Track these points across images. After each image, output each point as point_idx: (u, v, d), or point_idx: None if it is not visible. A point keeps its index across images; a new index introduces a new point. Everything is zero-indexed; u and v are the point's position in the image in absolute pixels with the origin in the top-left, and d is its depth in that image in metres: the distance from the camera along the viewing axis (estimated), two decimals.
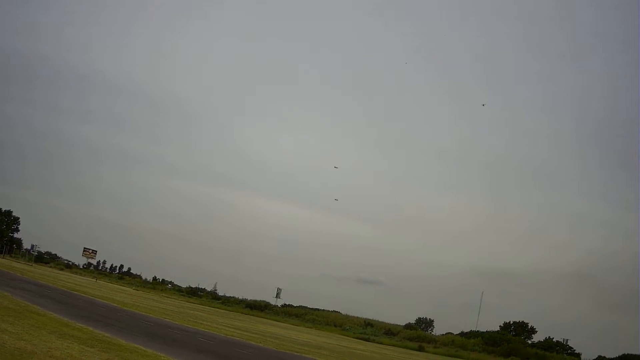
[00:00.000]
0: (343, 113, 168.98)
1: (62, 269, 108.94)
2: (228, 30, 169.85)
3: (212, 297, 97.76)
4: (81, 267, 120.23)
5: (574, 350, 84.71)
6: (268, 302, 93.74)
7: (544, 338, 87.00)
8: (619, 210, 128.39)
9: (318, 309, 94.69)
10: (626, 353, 78.53)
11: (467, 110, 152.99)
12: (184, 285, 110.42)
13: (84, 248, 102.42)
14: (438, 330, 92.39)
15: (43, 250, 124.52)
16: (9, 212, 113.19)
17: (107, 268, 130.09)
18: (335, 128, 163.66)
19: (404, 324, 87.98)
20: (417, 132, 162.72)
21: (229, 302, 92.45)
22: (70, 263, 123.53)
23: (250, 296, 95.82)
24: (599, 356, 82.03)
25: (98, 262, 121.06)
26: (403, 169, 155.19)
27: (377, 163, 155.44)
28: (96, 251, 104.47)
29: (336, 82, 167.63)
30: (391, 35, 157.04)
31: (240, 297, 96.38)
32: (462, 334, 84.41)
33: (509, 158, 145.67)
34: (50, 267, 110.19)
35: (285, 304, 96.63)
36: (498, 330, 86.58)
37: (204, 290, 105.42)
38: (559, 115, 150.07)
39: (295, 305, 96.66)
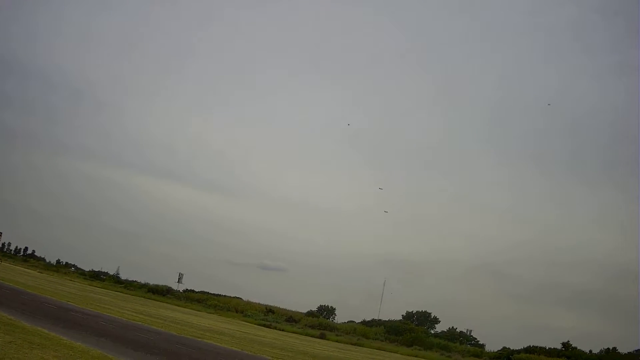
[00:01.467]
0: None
1: None
2: None
3: (114, 281, 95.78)
4: None
5: (478, 341, 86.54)
6: (170, 287, 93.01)
7: (447, 328, 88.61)
8: (527, 202, 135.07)
9: (220, 295, 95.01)
10: (531, 345, 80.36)
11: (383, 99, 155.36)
12: (86, 268, 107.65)
13: None
14: (340, 318, 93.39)
15: None
16: None
17: (11, 250, 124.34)
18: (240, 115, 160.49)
19: (305, 312, 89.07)
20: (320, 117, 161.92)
21: (131, 286, 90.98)
22: None
23: (153, 281, 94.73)
24: (504, 347, 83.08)
25: (3, 244, 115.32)
26: (308, 157, 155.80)
27: (281, 150, 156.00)
28: (1, 233, 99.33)
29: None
30: None
31: (143, 282, 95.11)
32: (364, 323, 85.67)
33: (421, 146, 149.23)
34: None
35: (187, 289, 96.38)
36: (401, 320, 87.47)
37: (106, 274, 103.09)
38: (473, 107, 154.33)
39: (197, 290, 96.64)
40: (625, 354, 79.23)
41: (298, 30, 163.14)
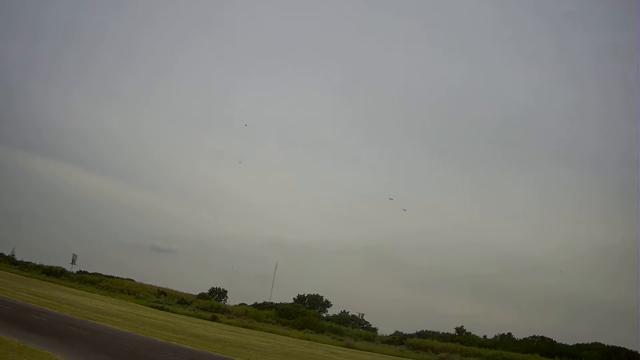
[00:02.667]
0: None
1: None
2: None
3: (9, 262, 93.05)
4: None
5: (370, 325, 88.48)
6: (64, 269, 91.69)
7: (339, 312, 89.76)
8: (422, 189, 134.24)
9: (113, 277, 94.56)
10: (424, 330, 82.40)
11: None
12: None
13: None
14: (232, 300, 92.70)
15: None
16: None
17: None
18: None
19: (197, 294, 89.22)
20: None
21: (26, 268, 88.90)
22: None
23: (47, 262, 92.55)
24: (396, 331, 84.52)
25: None
26: (196, 140, 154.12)
27: (171, 129, 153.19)
28: None
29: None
30: None
31: (38, 263, 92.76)
32: (255, 305, 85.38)
33: (312, 133, 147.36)
34: None
35: (80, 271, 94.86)
36: (292, 303, 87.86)
37: (1, 255, 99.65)
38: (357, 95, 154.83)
39: (90, 272, 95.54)
40: (520, 339, 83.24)
41: None
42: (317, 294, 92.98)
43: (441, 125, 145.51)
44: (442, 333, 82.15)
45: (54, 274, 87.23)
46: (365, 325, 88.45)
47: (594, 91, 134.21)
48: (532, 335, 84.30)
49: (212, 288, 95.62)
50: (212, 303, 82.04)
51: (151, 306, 70.31)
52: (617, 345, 75.85)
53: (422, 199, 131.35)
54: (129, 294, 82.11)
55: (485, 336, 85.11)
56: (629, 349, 74.24)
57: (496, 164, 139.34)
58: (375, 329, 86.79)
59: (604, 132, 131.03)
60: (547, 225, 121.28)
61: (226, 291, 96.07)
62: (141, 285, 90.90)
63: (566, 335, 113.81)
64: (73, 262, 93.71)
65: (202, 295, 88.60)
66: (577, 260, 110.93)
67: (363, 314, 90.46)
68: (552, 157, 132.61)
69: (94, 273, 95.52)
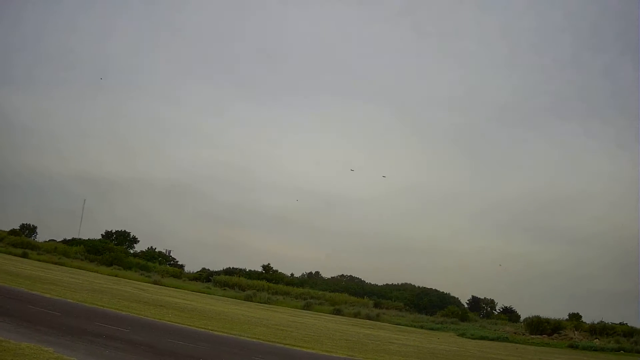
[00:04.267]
0: None
1: None
2: None
3: None
4: None
5: (177, 261, 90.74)
6: None
7: (146, 248, 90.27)
8: (223, 126, 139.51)
9: None
10: (231, 267, 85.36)
11: None
12: None
13: None
14: (41, 237, 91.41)
15: None
16: None
17: None
18: None
19: (8, 230, 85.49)
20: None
21: None
22: None
23: None
24: (203, 268, 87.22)
25: None
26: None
27: None
28: None
29: None
30: None
31: None
32: (64, 242, 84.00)
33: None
34: None
35: None
36: (100, 239, 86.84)
37: None
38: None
39: None
40: (328, 278, 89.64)
41: None
42: (124, 230, 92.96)
43: None
44: (249, 270, 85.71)
45: None
46: (172, 262, 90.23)
47: None
48: (340, 274, 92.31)
49: (23, 224, 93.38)
50: (22, 239, 79.36)
51: None
52: (427, 287, 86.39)
53: (237, 134, 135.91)
54: None
55: (292, 274, 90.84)
56: (439, 290, 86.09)
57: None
58: (182, 266, 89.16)
59: None
60: (364, 167, 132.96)
61: (36, 227, 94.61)
62: None
63: (377, 276, 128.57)
64: None
65: (12, 232, 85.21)
66: (388, 199, 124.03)
67: (170, 251, 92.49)
68: None
69: None
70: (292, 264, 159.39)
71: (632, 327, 57.69)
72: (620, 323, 61.32)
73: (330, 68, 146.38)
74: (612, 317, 64.45)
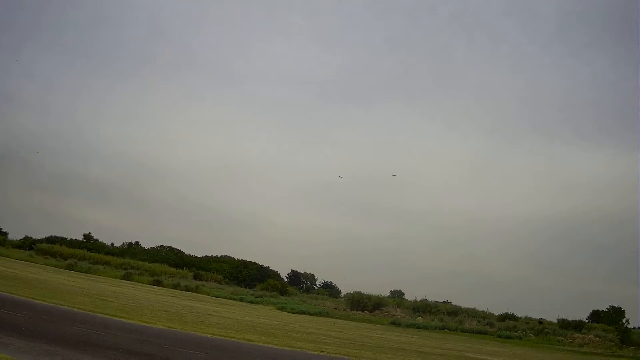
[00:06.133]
0: None
1: None
2: None
3: None
4: None
5: (1, 229, 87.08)
6: None
7: None
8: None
9: None
10: (53, 235, 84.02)
11: None
12: None
13: None
14: None
15: None
16: None
17: None
18: None
19: None
20: None
21: None
22: None
23: None
24: (26, 236, 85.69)
25: None
26: None
27: None
28: None
29: None
30: None
31: None
32: None
33: None
34: None
35: None
36: None
37: None
38: None
39: None
40: (148, 248, 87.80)
41: None
42: None
43: None
44: (71, 239, 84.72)
45: None
46: None
47: None
48: (160, 245, 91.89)
49: None
50: None
51: None
52: (247, 259, 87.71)
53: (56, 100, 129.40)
54: None
55: (112, 244, 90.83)
56: (259, 263, 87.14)
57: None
58: (5, 233, 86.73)
59: None
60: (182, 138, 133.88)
61: None
62: None
63: (197, 248, 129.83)
64: None
65: None
66: (208, 171, 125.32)
67: None
68: None
69: None
70: (112, 234, 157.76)
71: (455, 306, 64.54)
72: (444, 302, 68.29)
73: None
74: (435, 296, 69.53)
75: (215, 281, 75.30)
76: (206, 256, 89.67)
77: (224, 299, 57.28)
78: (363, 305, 62.02)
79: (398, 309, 61.27)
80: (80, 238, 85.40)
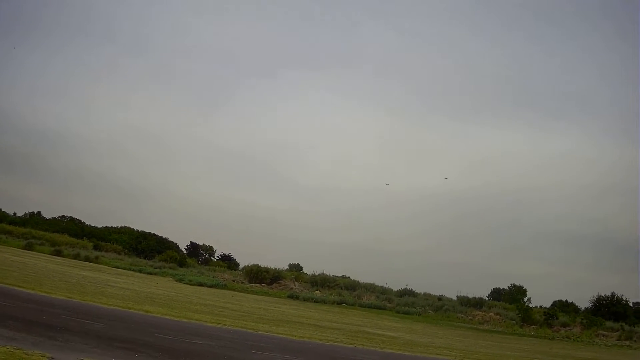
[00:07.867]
0: None
1: None
2: None
3: None
4: None
5: None
6: None
7: None
8: None
9: None
10: None
11: None
12: None
13: None
14: None
15: None
16: None
17: None
18: None
19: None
20: None
21: None
22: None
23: None
24: None
25: None
26: None
27: None
28: None
29: None
30: None
31: None
32: None
33: None
34: None
35: None
36: None
37: None
38: None
39: None
40: (49, 218, 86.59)
41: None
42: None
43: None
44: None
45: None
46: None
47: None
48: (61, 215, 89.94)
49: None
50: None
51: None
52: (146, 230, 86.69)
53: None
54: None
55: (15, 213, 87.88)
56: (158, 234, 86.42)
57: None
58: None
59: None
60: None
61: None
62: None
63: (97, 218, 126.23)
64: None
65: None
66: (114, 141, 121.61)
67: None
68: None
69: None
70: (15, 204, 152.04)
71: (354, 281, 67.13)
72: (343, 276, 71.18)
73: None
74: (335, 271, 70.85)
75: (114, 252, 74.31)
76: (106, 227, 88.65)
77: (123, 270, 57.18)
78: (261, 278, 63.36)
79: (296, 283, 62.95)
80: None
